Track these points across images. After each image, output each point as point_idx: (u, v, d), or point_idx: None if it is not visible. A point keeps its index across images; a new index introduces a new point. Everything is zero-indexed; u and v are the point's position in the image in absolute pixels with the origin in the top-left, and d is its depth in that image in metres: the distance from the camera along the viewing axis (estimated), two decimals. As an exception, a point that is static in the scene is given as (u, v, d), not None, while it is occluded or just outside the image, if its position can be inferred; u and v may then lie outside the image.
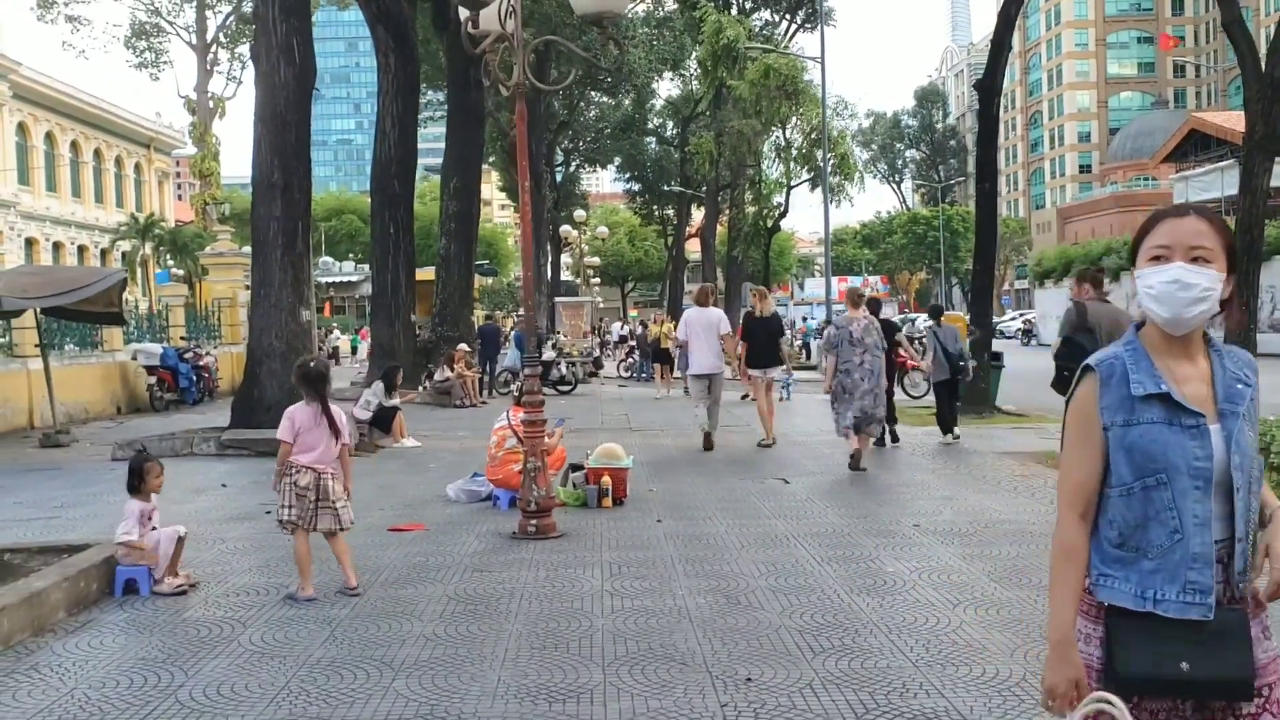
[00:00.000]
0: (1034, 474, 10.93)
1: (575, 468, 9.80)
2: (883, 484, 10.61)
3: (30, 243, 48.16)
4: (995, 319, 20.93)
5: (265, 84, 14.51)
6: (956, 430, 13.60)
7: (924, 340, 15.03)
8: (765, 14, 47.36)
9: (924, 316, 36.17)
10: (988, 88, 17.99)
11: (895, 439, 13.47)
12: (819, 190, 34.31)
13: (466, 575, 6.91)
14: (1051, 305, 51.52)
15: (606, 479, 9.44)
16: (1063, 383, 7.93)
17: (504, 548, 7.80)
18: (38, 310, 15.34)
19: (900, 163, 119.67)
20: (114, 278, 15.43)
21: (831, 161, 33.55)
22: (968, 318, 19.58)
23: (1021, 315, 60.14)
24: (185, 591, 6.53)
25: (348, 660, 5.18)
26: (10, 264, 39.19)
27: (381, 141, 22.53)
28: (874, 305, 12.70)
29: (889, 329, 13.22)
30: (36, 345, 16.41)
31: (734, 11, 42.91)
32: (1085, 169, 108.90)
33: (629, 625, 5.70)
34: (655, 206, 65.69)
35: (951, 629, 5.57)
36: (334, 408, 6.55)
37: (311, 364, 6.65)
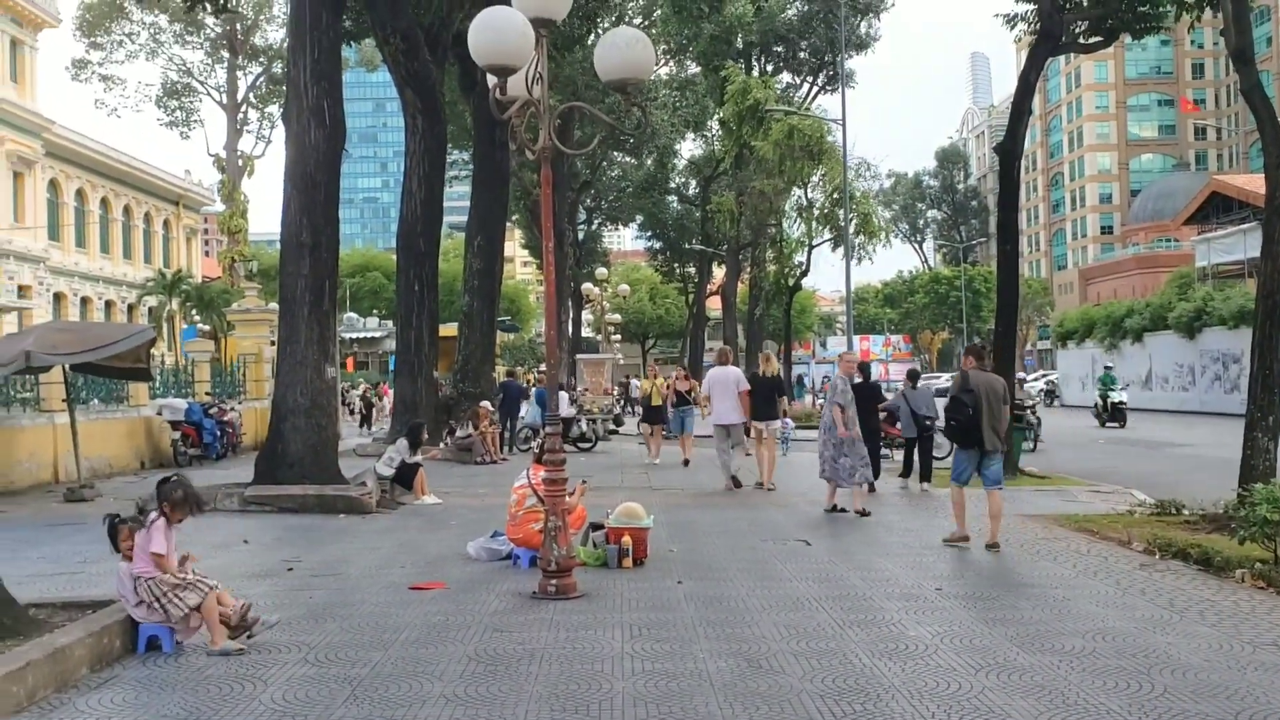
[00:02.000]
0: (1057, 537, 10.84)
1: (596, 527, 9.80)
2: (905, 546, 10.56)
3: (59, 298, 48.80)
4: (1020, 377, 20.92)
5: (296, 145, 14.78)
6: (927, 484, 15.39)
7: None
8: (787, 76, 47.93)
9: (947, 376, 35.92)
10: (1008, 151, 18.11)
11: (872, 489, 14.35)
12: (841, 249, 34.48)
13: (487, 635, 6.91)
14: (1074, 366, 51.35)
15: (627, 539, 9.44)
16: (951, 430, 10.62)
17: (524, 607, 7.79)
18: (66, 366, 15.55)
19: (922, 222, 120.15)
20: (143, 335, 15.63)
21: (854, 221, 33.73)
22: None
23: (1044, 376, 59.87)
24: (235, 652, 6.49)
25: (364, 721, 5.19)
26: (39, 319, 39.72)
27: (408, 201, 22.87)
28: (864, 368, 15.75)
29: (874, 390, 15.46)
30: (63, 400, 16.60)
31: (755, 74, 43.47)
32: (1107, 230, 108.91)
33: (649, 688, 5.69)
34: (676, 264, 66.08)
35: (974, 694, 5.53)
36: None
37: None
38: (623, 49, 8.69)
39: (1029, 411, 20.98)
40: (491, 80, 8.64)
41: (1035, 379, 54.20)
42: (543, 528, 8.49)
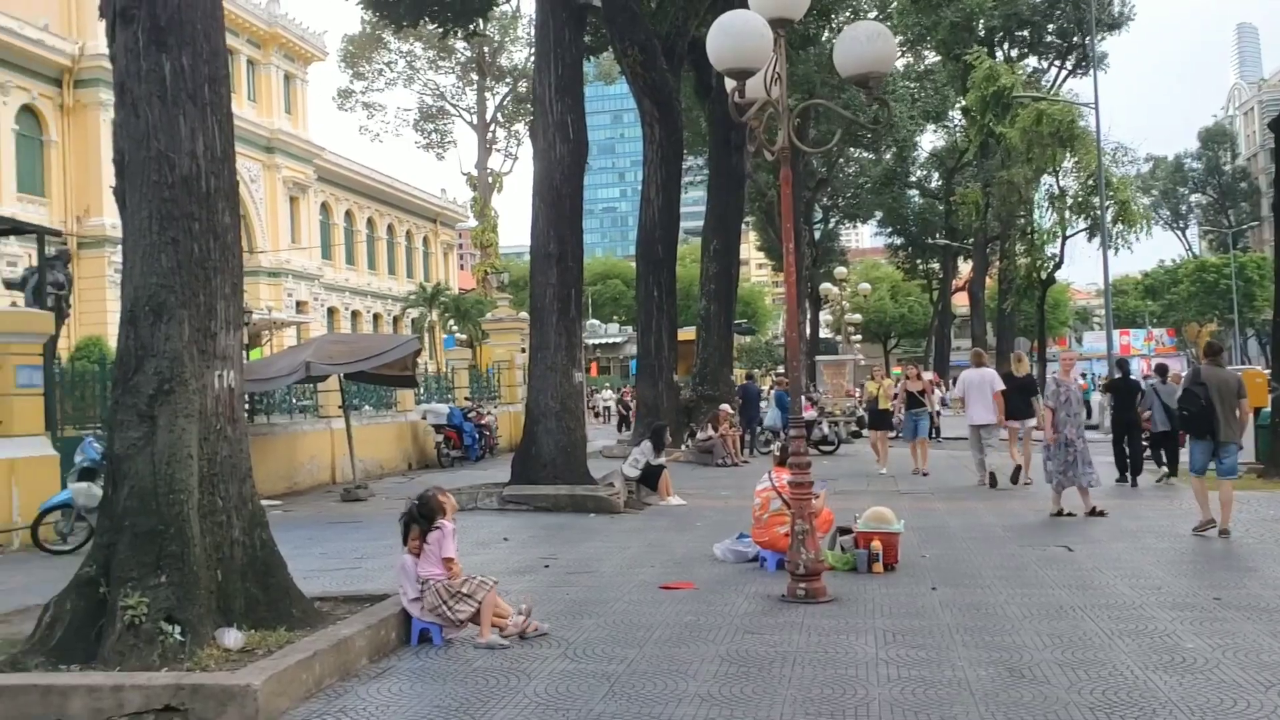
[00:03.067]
0: (1358, 546, 9.86)
1: (843, 531, 9.66)
2: (1175, 553, 9.87)
3: (331, 312, 52.61)
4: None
5: (542, 160, 15.37)
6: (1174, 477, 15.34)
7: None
8: (1033, 61, 45.83)
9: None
10: (1287, 125, 16.65)
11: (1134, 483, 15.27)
12: (1097, 239, 32.63)
13: (738, 636, 6.94)
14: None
15: (876, 543, 9.26)
16: (1183, 421, 11.31)
17: (773, 610, 7.78)
18: (341, 375, 16.77)
19: (1184, 208, 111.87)
20: (410, 345, 16.66)
21: (1110, 209, 31.85)
22: (1269, 373, 18.02)
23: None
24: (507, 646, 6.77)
25: (627, 716, 5.32)
26: (315, 332, 42.98)
27: (646, 208, 23.33)
28: (1124, 365, 17.34)
29: (1132, 387, 16.17)
30: (339, 406, 17.90)
31: (999, 58, 41.78)
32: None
33: (906, 695, 5.56)
34: (919, 260, 64.28)
35: (1265, 714, 5.11)
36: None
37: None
38: (863, 43, 8.55)
39: None
40: (730, 84, 8.69)
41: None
42: (789, 531, 8.45)
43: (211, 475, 6.72)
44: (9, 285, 20.52)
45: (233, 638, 6.26)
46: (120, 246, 7.22)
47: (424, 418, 22.06)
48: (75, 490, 11.42)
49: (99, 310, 36.03)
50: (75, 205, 37.81)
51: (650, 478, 14.64)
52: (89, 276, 35.61)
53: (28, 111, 37.12)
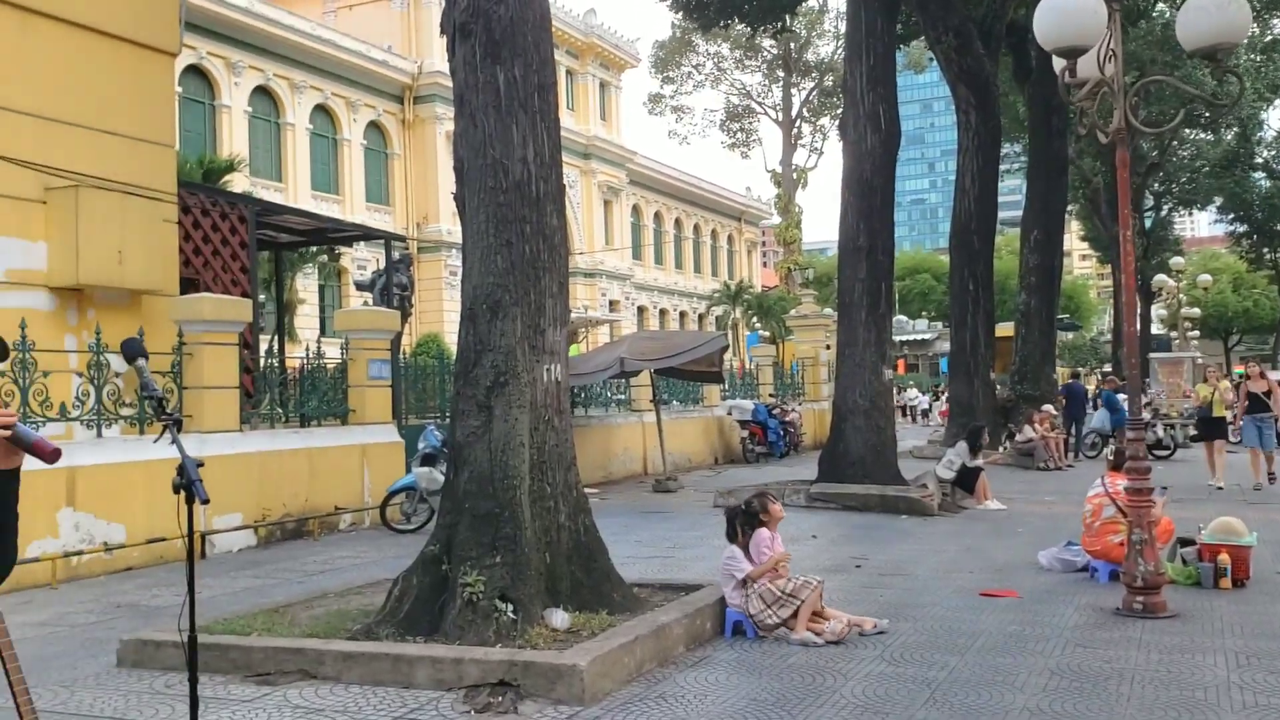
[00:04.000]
0: None
1: (1185, 542, 8.90)
2: None
3: (641, 310, 54.37)
4: None
5: (852, 152, 15.15)
6: None
7: None
8: None
9: None
10: None
11: None
12: None
13: (1067, 649, 6.54)
14: None
15: (1225, 557, 8.46)
16: None
17: (1107, 623, 7.28)
18: (652, 370, 17.28)
19: None
20: (718, 342, 16.95)
21: None
22: None
23: None
24: (838, 641, 6.72)
25: (949, 725, 5.12)
26: (625, 330, 44.56)
27: (961, 198, 22.52)
28: None
29: None
30: (650, 401, 18.45)
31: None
32: None
33: (1268, 727, 5.03)
34: (1265, 249, 58.27)
35: None
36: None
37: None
38: (1212, 12, 7.81)
39: None
40: (1058, 64, 8.21)
41: None
42: (1123, 540, 7.90)
43: (540, 463, 7.08)
44: (360, 287, 22.62)
45: (560, 618, 6.56)
46: (455, 251, 7.77)
47: (729, 413, 22.34)
48: (418, 474, 12.39)
49: (436, 309, 39.05)
50: (415, 213, 41.14)
51: (966, 480, 14.09)
52: (428, 278, 38.65)
53: (374, 127, 40.77)
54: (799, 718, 5.28)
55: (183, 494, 3.07)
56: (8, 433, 2.16)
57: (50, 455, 2.24)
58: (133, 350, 3.47)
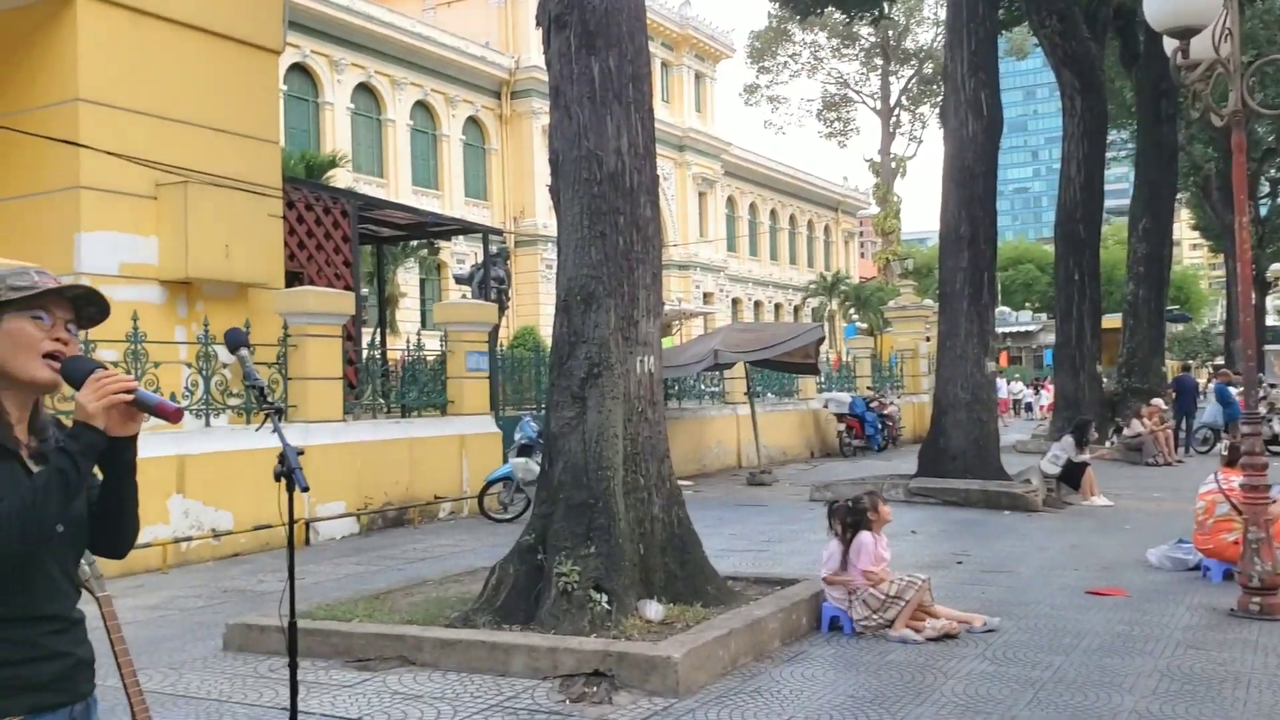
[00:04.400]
0: None
1: (1306, 542, 8.51)
2: None
3: (735, 302, 54.14)
4: None
5: (953, 139, 14.83)
6: None
7: None
8: None
9: None
10: None
11: None
12: None
13: (1179, 651, 6.30)
14: None
15: (1349, 557, 8.06)
16: None
17: (1220, 625, 7.00)
18: (747, 363, 17.16)
19: None
20: (814, 334, 16.76)
21: None
22: None
23: None
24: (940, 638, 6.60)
25: (1053, 727, 4.97)
26: (719, 322, 44.37)
27: (1066, 186, 21.91)
28: None
29: None
30: (745, 393, 18.34)
31: None
32: None
33: (1398, 737, 4.78)
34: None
35: None
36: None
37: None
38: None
39: None
40: (1169, 45, 7.91)
41: None
42: (1238, 538, 7.60)
43: (634, 454, 7.07)
44: (459, 280, 22.93)
45: (654, 610, 6.55)
46: (550, 244, 7.81)
47: (826, 406, 22.08)
48: (515, 465, 12.51)
49: (532, 302, 39.43)
50: (512, 207, 41.60)
51: (1071, 475, 13.70)
52: (523, 272, 39.05)
53: (472, 122, 41.32)
54: (898, 715, 5.19)
55: (283, 481, 3.12)
56: (130, 396, 2.20)
57: (174, 415, 2.27)
58: (236, 340, 3.54)
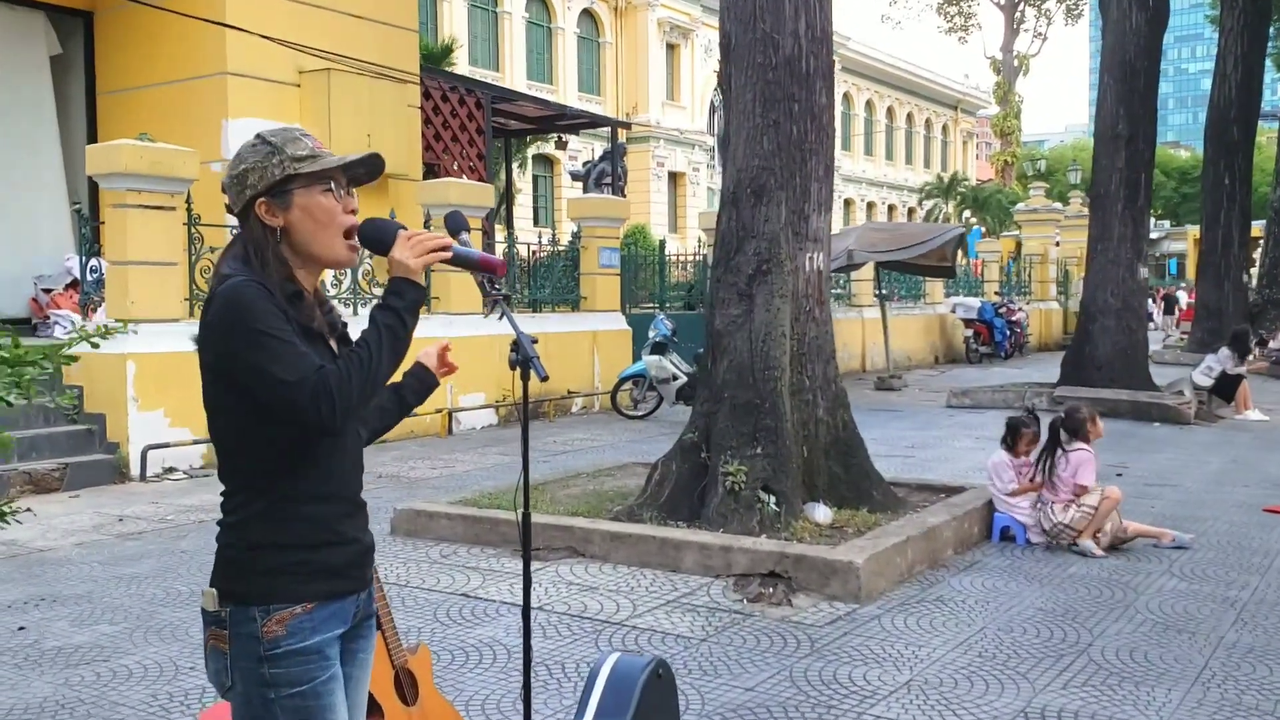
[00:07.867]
0: None
1: None
2: None
3: (848, 203, 52.91)
4: None
5: (1114, 31, 13.95)
6: None
7: None
8: None
9: None
10: None
11: None
12: None
13: (1384, 577, 5.95)
14: None
15: None
16: None
17: None
18: (878, 264, 16.69)
19: None
20: (952, 234, 16.18)
21: None
22: None
23: None
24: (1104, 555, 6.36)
25: (1268, 651, 4.71)
26: (836, 225, 43.52)
27: (1220, 85, 20.65)
28: None
29: None
30: (874, 295, 17.90)
31: None
32: None
33: None
34: None
35: None
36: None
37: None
38: None
39: None
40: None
41: None
42: None
43: (800, 354, 6.87)
44: (574, 177, 22.73)
45: (822, 513, 6.42)
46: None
47: (953, 311, 21.52)
48: (648, 363, 12.41)
49: (643, 201, 38.99)
50: (625, 103, 40.93)
51: (1225, 388, 13.11)
52: (634, 169, 38.52)
53: (587, 15, 40.55)
54: (1095, 630, 4.98)
55: (518, 370, 2.97)
56: (449, 254, 2.09)
57: (500, 267, 2.17)
58: (456, 224, 3.39)
